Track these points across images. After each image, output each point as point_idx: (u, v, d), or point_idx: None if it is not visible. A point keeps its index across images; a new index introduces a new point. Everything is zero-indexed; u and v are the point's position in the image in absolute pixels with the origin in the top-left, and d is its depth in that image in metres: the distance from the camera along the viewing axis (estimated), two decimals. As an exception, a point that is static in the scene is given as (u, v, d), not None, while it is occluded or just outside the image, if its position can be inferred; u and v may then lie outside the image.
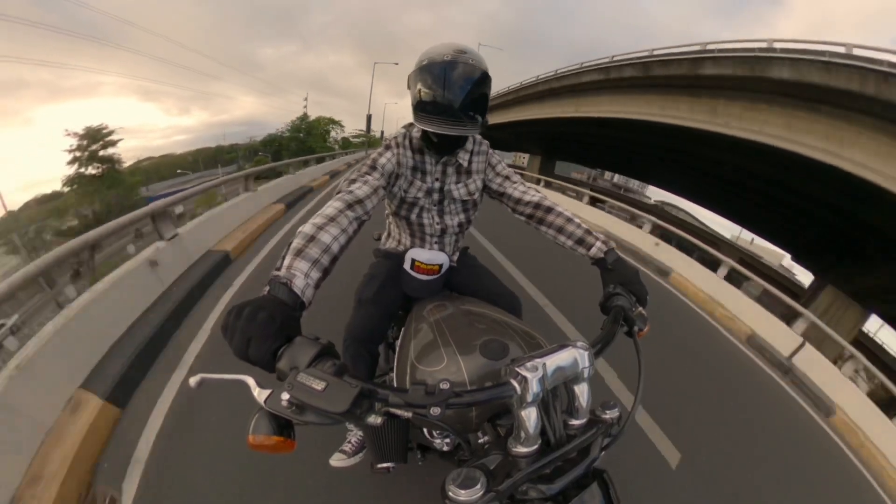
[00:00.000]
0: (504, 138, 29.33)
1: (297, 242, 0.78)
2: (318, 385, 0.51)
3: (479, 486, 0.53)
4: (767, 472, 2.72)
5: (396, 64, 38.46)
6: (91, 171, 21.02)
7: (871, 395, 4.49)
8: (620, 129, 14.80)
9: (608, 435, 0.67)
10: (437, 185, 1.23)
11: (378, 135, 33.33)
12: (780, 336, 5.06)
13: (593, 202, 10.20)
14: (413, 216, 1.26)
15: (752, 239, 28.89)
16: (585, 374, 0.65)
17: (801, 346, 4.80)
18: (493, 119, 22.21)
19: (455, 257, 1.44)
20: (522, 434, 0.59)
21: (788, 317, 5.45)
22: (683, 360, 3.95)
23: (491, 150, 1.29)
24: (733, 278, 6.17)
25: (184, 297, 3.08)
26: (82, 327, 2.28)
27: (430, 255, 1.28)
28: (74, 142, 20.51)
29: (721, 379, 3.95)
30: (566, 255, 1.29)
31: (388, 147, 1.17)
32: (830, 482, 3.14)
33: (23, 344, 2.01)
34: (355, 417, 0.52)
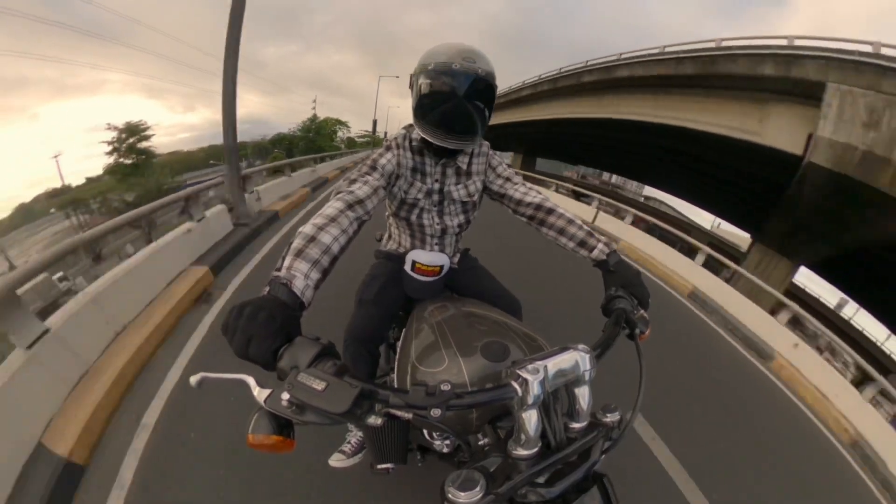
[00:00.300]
0: (488, 138, 32.15)
1: (297, 243, 0.77)
2: (319, 385, 0.50)
3: (478, 488, 0.53)
4: (713, 409, 3.15)
5: (398, 77, 42.40)
6: (127, 161, 24.01)
7: (809, 341, 4.92)
8: (588, 126, 17.61)
9: (608, 438, 0.67)
10: (436, 186, 1.22)
11: (382, 135, 34.28)
12: (721, 292, 5.75)
13: (577, 196, 11.40)
14: (413, 217, 1.26)
15: (719, 223, 31.95)
16: (586, 377, 0.64)
17: (740, 300, 5.48)
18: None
19: (456, 259, 1.44)
20: (523, 436, 0.59)
21: (729, 278, 6.43)
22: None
23: (492, 152, 1.28)
24: (690, 253, 6.76)
25: (255, 228, 5.04)
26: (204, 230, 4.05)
27: (430, 257, 1.28)
28: (114, 134, 23.51)
29: (669, 331, 4.36)
30: (567, 256, 1.28)
31: (388, 148, 1.16)
32: (774, 419, 3.57)
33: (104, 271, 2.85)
34: (355, 418, 0.52)
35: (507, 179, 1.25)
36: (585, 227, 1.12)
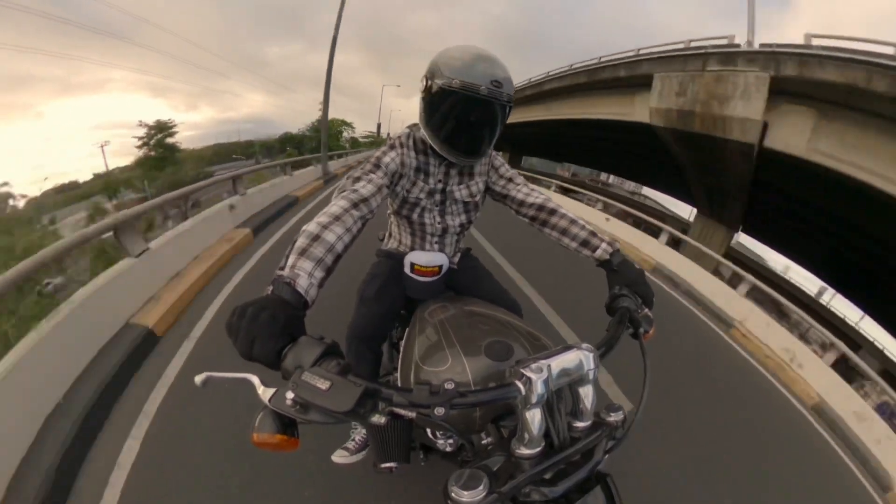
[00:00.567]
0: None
1: (301, 241, 0.77)
2: (323, 384, 0.51)
3: (481, 487, 0.53)
4: (675, 369, 3.44)
5: (398, 86, 49.55)
6: (154, 154, 27.22)
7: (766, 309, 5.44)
8: (539, 127, 21.72)
9: (612, 438, 0.67)
10: (439, 185, 1.22)
11: (386, 135, 35.77)
12: (681, 266, 6.47)
13: (565, 192, 12.42)
14: (415, 216, 1.25)
15: (695, 212, 33.72)
16: (590, 376, 0.64)
17: (701, 273, 6.15)
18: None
19: (456, 258, 1.43)
20: (526, 436, 0.59)
21: (676, 245, 7.53)
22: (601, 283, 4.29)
23: (494, 153, 1.27)
24: (655, 234, 7.72)
25: (279, 210, 6.41)
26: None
27: (428, 258, 1.28)
28: (144, 131, 26.80)
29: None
30: (568, 256, 1.28)
31: (392, 147, 1.15)
32: (735, 380, 3.97)
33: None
34: (359, 417, 0.52)
35: (510, 180, 1.25)
36: (588, 227, 1.12)
